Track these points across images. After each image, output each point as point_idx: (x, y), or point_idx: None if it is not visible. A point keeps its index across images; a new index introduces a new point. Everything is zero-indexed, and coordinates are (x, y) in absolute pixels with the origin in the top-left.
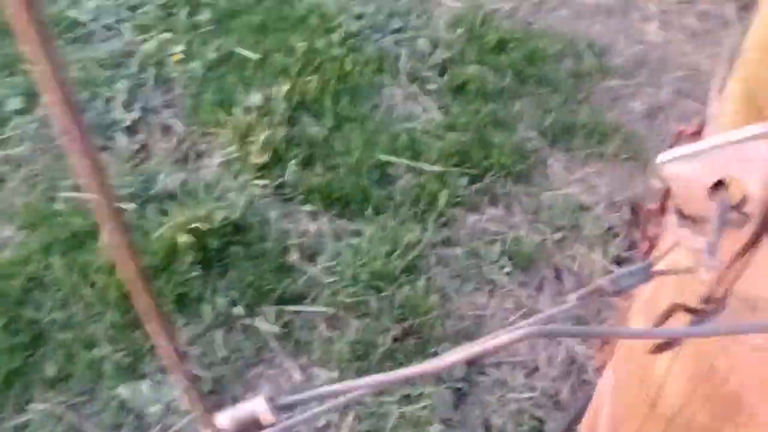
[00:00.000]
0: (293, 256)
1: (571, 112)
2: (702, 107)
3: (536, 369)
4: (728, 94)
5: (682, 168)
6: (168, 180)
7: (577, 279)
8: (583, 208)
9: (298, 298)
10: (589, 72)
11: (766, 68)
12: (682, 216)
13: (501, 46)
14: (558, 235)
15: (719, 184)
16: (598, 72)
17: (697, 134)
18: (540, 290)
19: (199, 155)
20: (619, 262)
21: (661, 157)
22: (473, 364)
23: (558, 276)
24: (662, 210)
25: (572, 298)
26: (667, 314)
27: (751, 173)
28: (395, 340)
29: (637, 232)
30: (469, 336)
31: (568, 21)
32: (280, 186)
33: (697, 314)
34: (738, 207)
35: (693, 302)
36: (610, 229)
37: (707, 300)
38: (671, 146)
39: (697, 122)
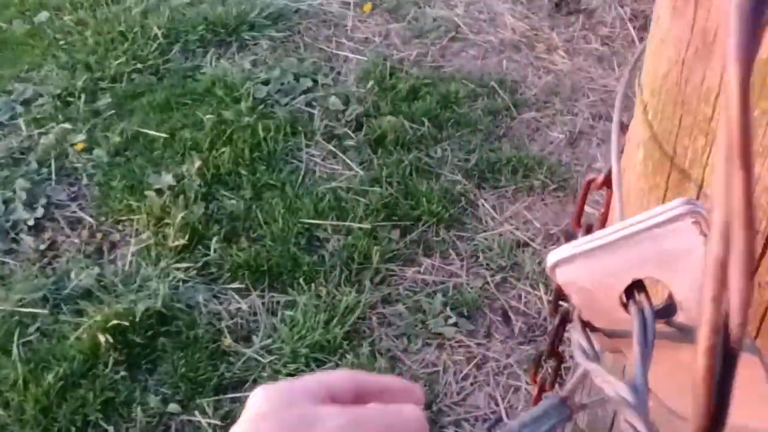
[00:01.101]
0: (227, 340)
1: (493, 150)
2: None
3: (498, 420)
4: (634, 138)
5: (581, 270)
6: (81, 277)
7: (525, 319)
8: (520, 245)
9: (237, 385)
10: (504, 108)
11: (668, 112)
12: (591, 329)
13: (413, 93)
14: (499, 277)
15: (635, 288)
16: (514, 107)
17: (607, 183)
18: (489, 337)
19: (113, 246)
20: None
21: (551, 258)
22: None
23: (506, 319)
24: (562, 323)
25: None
26: None
27: (674, 272)
28: None
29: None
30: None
31: (476, 60)
32: (204, 267)
33: None
34: (665, 316)
35: None
36: None
37: None
38: (581, 200)
39: (605, 171)
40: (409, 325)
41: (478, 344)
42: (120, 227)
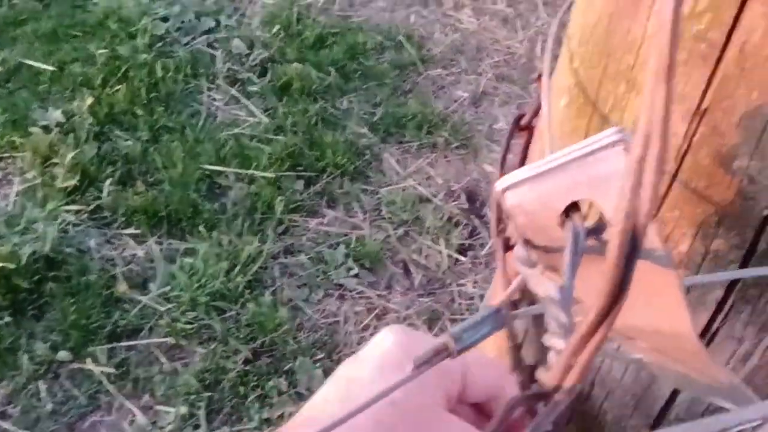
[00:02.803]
0: (121, 287)
1: (399, 105)
2: (522, 92)
3: None
4: (558, 85)
5: (526, 195)
6: None
7: (425, 272)
8: (422, 200)
9: (132, 333)
10: (411, 63)
11: (595, 61)
12: (532, 246)
13: (320, 41)
14: (401, 231)
15: (573, 208)
16: (420, 62)
17: (528, 128)
18: (390, 289)
19: None
20: (462, 251)
21: (499, 185)
22: None
23: (406, 272)
24: (505, 243)
25: (409, 369)
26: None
27: (605, 193)
28: (246, 362)
29: (476, 219)
30: (324, 346)
31: (384, 12)
32: (96, 210)
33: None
34: (595, 233)
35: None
36: (450, 218)
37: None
38: (508, 140)
39: (529, 113)
40: (311, 275)
41: (379, 296)
42: (2, 165)
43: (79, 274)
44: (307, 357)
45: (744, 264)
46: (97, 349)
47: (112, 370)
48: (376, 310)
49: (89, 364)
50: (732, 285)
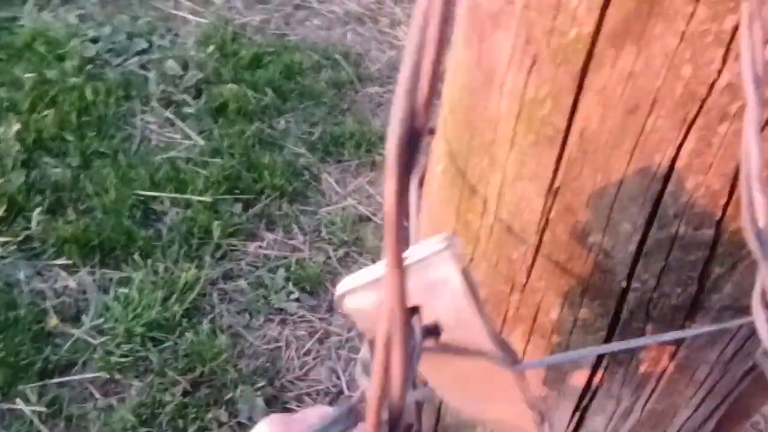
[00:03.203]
0: (52, 321)
1: (337, 124)
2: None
3: (340, 393)
4: (436, 151)
5: (364, 299)
6: None
7: None
8: (363, 219)
9: (65, 368)
10: (348, 81)
11: (461, 132)
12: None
13: (256, 61)
14: (341, 252)
15: (413, 313)
16: (358, 80)
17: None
18: (332, 312)
19: None
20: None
21: (339, 289)
22: (272, 403)
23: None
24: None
25: None
26: None
27: (437, 298)
28: (185, 393)
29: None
30: (266, 373)
31: (320, 31)
32: (26, 241)
33: None
34: (431, 334)
35: None
36: None
37: None
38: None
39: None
40: (250, 300)
41: (321, 319)
42: None
43: (6, 309)
44: (249, 385)
45: (610, 332)
46: (27, 388)
47: (43, 408)
48: (318, 334)
49: (19, 404)
50: None
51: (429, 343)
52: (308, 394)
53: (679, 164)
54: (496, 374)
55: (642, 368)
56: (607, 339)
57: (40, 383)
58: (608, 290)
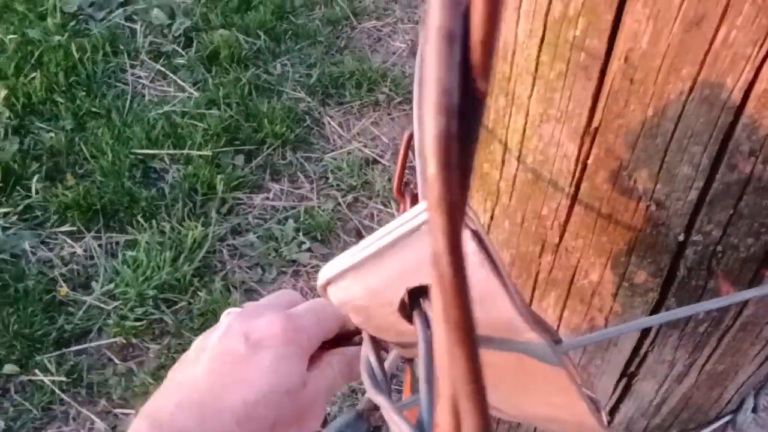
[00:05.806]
0: (62, 289)
1: (335, 64)
2: None
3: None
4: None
5: (351, 289)
6: None
7: None
8: (370, 162)
9: (80, 336)
10: (344, 17)
11: None
12: (382, 346)
13: (246, 4)
14: (350, 197)
15: (420, 295)
16: (353, 16)
17: None
18: None
19: None
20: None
21: (321, 277)
22: None
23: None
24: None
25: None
26: None
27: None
28: None
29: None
30: None
31: None
32: (26, 210)
33: None
34: None
35: None
36: None
37: None
38: (402, 161)
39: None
40: (261, 254)
41: None
42: None
43: (15, 281)
44: None
45: (663, 292)
46: (44, 358)
47: (63, 378)
48: None
49: (39, 375)
50: (655, 311)
51: None
52: None
53: (757, 89)
54: (532, 361)
55: (701, 329)
56: (660, 300)
57: (57, 353)
58: (662, 246)
